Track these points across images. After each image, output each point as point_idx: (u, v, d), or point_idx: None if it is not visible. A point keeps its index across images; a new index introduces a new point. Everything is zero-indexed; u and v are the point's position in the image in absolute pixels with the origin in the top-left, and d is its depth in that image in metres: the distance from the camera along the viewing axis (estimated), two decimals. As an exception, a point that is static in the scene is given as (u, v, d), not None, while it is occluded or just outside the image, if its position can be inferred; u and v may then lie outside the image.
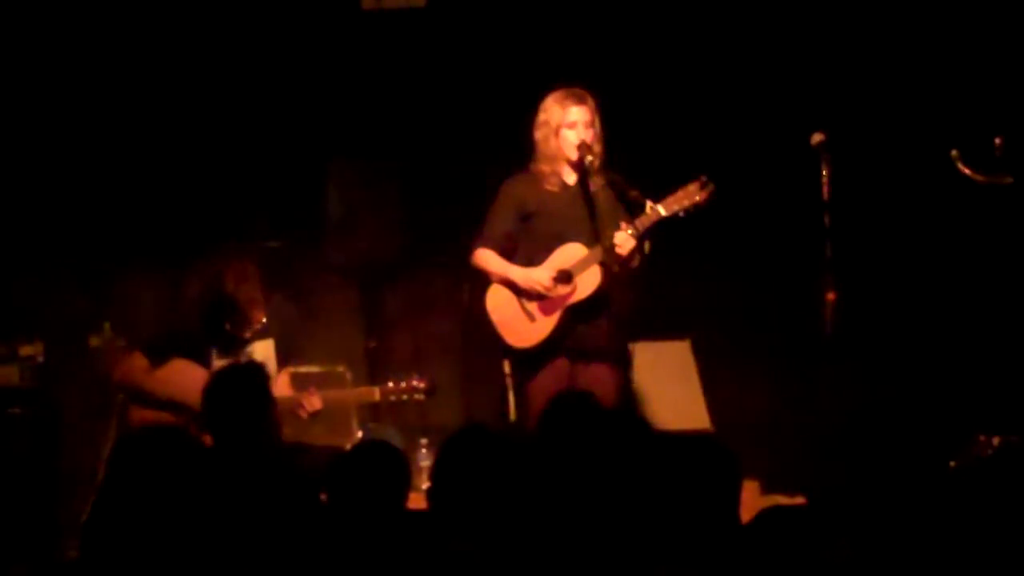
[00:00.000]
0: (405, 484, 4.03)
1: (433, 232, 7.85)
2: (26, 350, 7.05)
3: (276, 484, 3.85)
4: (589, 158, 6.11)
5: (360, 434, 7.01)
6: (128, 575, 3.46)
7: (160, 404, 6.11)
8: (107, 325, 7.21)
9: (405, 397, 6.26)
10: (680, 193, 6.06)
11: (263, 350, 6.29)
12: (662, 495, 3.38)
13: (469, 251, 6.29)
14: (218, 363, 6.15)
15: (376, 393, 6.31)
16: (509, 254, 6.25)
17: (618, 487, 3.80)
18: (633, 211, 6.08)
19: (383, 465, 3.98)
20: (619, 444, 4.16)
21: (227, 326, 6.21)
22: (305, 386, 6.35)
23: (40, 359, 7.06)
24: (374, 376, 7.55)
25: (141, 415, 6.12)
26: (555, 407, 4.65)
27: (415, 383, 6.26)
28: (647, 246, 6.11)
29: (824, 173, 6.27)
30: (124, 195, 7.84)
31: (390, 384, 6.27)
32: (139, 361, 6.19)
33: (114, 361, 6.49)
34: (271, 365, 6.23)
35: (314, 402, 6.18)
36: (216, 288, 6.20)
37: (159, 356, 6.16)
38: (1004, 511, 3.70)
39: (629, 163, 6.28)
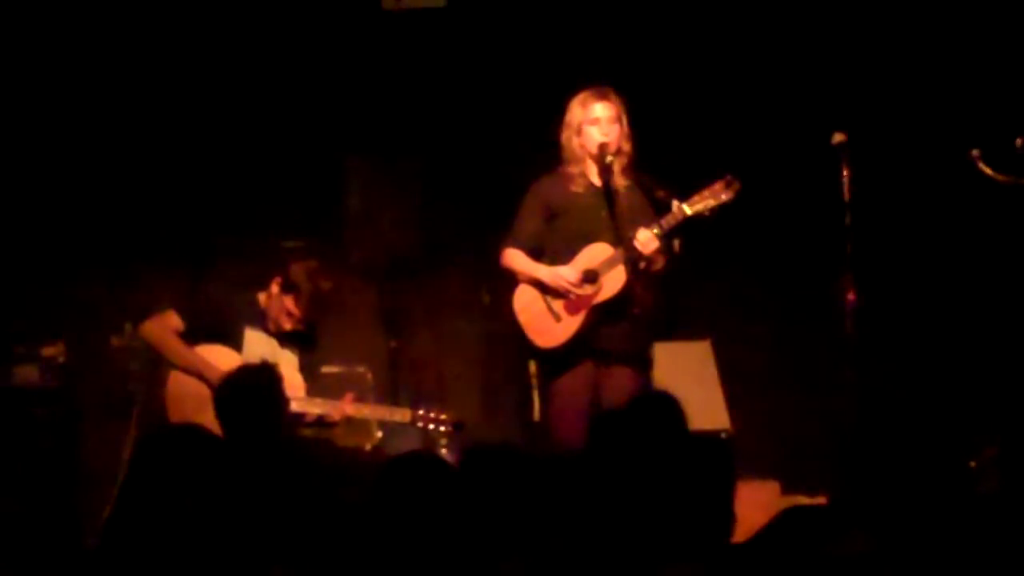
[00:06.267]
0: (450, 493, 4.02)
1: (453, 231, 7.87)
2: (48, 350, 7.08)
3: (292, 481, 3.84)
4: (609, 157, 6.10)
5: (379, 435, 7.04)
6: (146, 568, 3.48)
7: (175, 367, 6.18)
8: (128, 325, 7.23)
9: (432, 427, 6.36)
10: (706, 192, 6.02)
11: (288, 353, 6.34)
12: (658, 493, 3.38)
13: (498, 252, 6.30)
14: (250, 334, 6.24)
15: (407, 415, 6.36)
16: (537, 255, 6.25)
17: (617, 486, 3.79)
18: (661, 211, 6.06)
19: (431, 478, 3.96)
20: (624, 445, 4.16)
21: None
22: (327, 386, 6.39)
23: (62, 359, 7.09)
24: (395, 377, 7.60)
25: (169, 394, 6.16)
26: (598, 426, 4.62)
27: (444, 416, 6.33)
28: (676, 245, 6.08)
29: (845, 173, 6.26)
30: (145, 195, 7.86)
31: (420, 412, 6.35)
32: (171, 320, 6.24)
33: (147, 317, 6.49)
34: (292, 368, 6.27)
35: (346, 409, 6.27)
36: (283, 271, 6.28)
37: (191, 319, 6.22)
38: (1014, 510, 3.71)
39: (651, 163, 6.28)
